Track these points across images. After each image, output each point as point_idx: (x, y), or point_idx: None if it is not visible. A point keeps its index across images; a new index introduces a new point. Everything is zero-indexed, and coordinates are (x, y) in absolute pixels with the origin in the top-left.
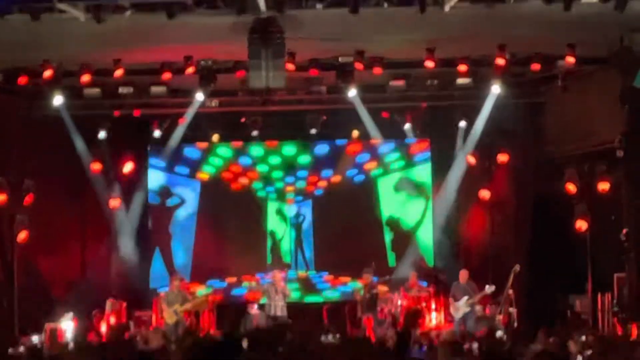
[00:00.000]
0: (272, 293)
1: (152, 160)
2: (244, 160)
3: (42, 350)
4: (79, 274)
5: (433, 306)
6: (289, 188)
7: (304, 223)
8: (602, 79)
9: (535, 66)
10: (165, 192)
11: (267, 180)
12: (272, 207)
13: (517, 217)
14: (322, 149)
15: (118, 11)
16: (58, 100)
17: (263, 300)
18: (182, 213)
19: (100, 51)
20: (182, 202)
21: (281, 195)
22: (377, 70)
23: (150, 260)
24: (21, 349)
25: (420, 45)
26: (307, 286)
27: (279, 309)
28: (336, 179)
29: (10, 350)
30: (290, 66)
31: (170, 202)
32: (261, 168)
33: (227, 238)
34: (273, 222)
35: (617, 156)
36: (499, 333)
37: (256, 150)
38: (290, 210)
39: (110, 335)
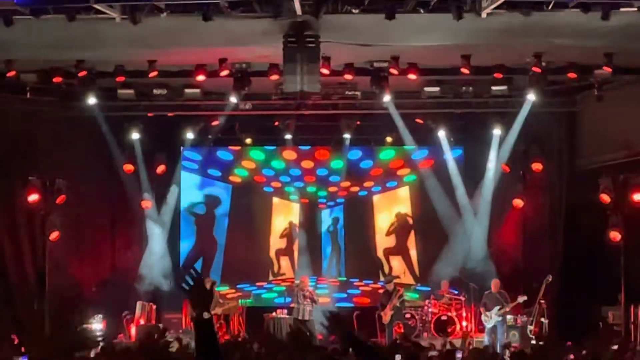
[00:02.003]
0: (300, 297)
1: (185, 162)
2: (277, 164)
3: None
4: (110, 275)
5: (464, 314)
6: (321, 193)
7: (337, 229)
8: (638, 89)
9: (571, 75)
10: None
11: (299, 184)
12: (304, 211)
13: (551, 227)
14: (355, 154)
15: (154, 13)
16: (92, 100)
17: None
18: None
19: (135, 52)
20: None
21: (314, 200)
22: (412, 76)
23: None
24: None
25: (455, 51)
26: (338, 291)
27: (307, 313)
28: (368, 184)
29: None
30: (325, 70)
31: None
32: (294, 172)
33: (258, 242)
34: (304, 227)
35: None
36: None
37: (289, 154)
38: (323, 215)
39: (140, 337)
